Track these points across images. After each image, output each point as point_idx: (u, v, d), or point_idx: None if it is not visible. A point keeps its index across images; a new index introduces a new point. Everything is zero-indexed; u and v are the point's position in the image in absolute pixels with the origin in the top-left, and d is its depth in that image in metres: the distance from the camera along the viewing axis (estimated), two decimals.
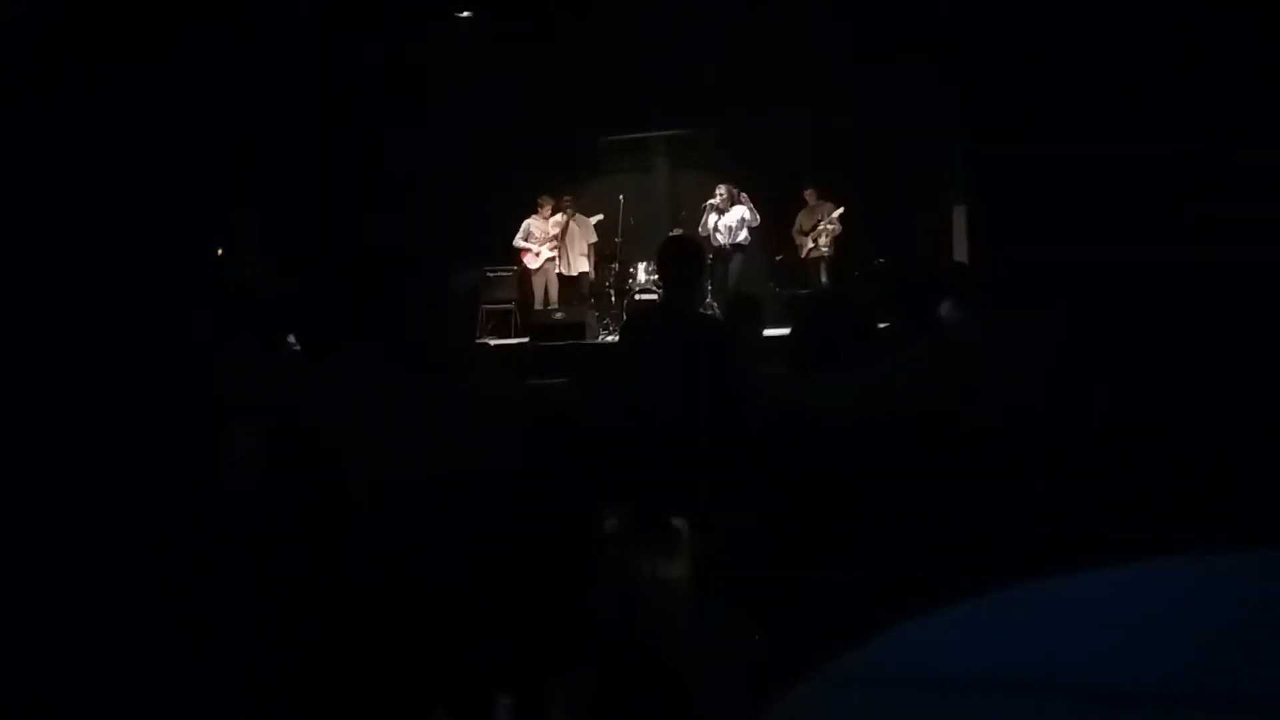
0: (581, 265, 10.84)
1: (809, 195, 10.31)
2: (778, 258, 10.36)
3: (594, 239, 10.86)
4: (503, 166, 11.11)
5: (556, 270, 10.74)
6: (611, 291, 10.70)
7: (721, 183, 10.28)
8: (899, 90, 9.51)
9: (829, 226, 10.09)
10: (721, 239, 10.05)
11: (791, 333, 2.65)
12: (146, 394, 2.09)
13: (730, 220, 10.08)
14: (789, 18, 9.64)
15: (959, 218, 9.41)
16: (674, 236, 7.50)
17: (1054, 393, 2.08)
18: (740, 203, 10.08)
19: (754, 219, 10.06)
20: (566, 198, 10.82)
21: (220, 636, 2.05)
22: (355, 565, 2.17)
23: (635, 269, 10.37)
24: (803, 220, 10.34)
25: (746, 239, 10.11)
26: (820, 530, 2.09)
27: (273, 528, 2.23)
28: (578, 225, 10.76)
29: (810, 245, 10.22)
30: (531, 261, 10.72)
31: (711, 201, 10.14)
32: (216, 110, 8.35)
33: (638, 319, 5.17)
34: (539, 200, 10.76)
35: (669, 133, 11.56)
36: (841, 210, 10.05)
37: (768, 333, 5.49)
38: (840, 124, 10.15)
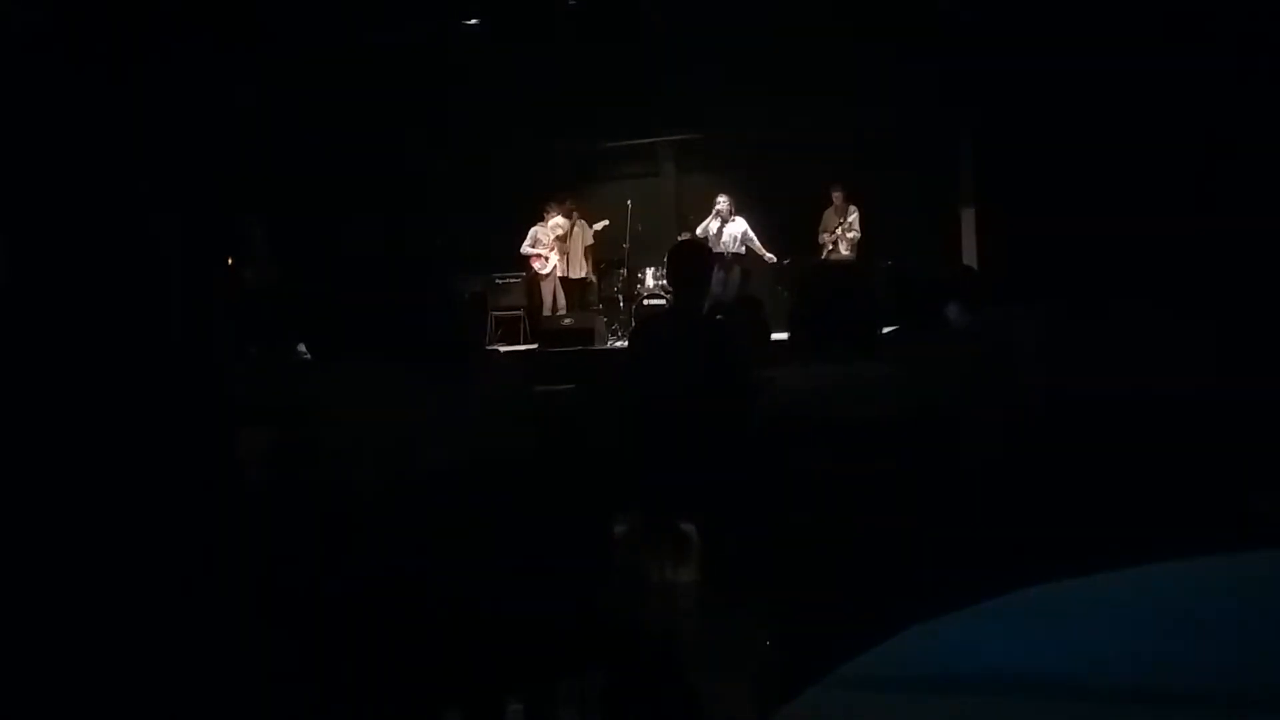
0: (582, 269, 10.82)
1: (836, 196, 10.14)
2: (785, 261, 10.31)
3: (590, 242, 10.81)
4: (510, 173, 11.13)
5: (561, 274, 10.73)
6: (620, 297, 10.69)
7: (722, 193, 10.30)
8: (909, 90, 9.48)
9: (849, 234, 9.99)
10: (727, 246, 10.03)
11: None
12: (156, 400, 2.10)
13: (735, 230, 10.09)
14: (796, 19, 9.64)
15: (967, 219, 9.40)
16: (683, 241, 7.49)
17: (1058, 389, 2.08)
18: (739, 215, 10.15)
19: (751, 236, 10.10)
20: (568, 201, 10.76)
21: (230, 639, 2.06)
22: (365, 567, 2.18)
23: (643, 274, 10.36)
24: (826, 220, 10.20)
25: (744, 250, 10.14)
26: (830, 532, 2.09)
27: (282, 531, 2.24)
28: (580, 229, 10.75)
29: (830, 247, 10.12)
30: (542, 267, 10.72)
31: (718, 208, 10.14)
32: (226, 115, 8.39)
33: (647, 323, 5.17)
34: (545, 208, 10.76)
35: (676, 137, 11.54)
36: (857, 214, 9.97)
37: (776, 336, 5.47)
38: (851, 125, 10.11)
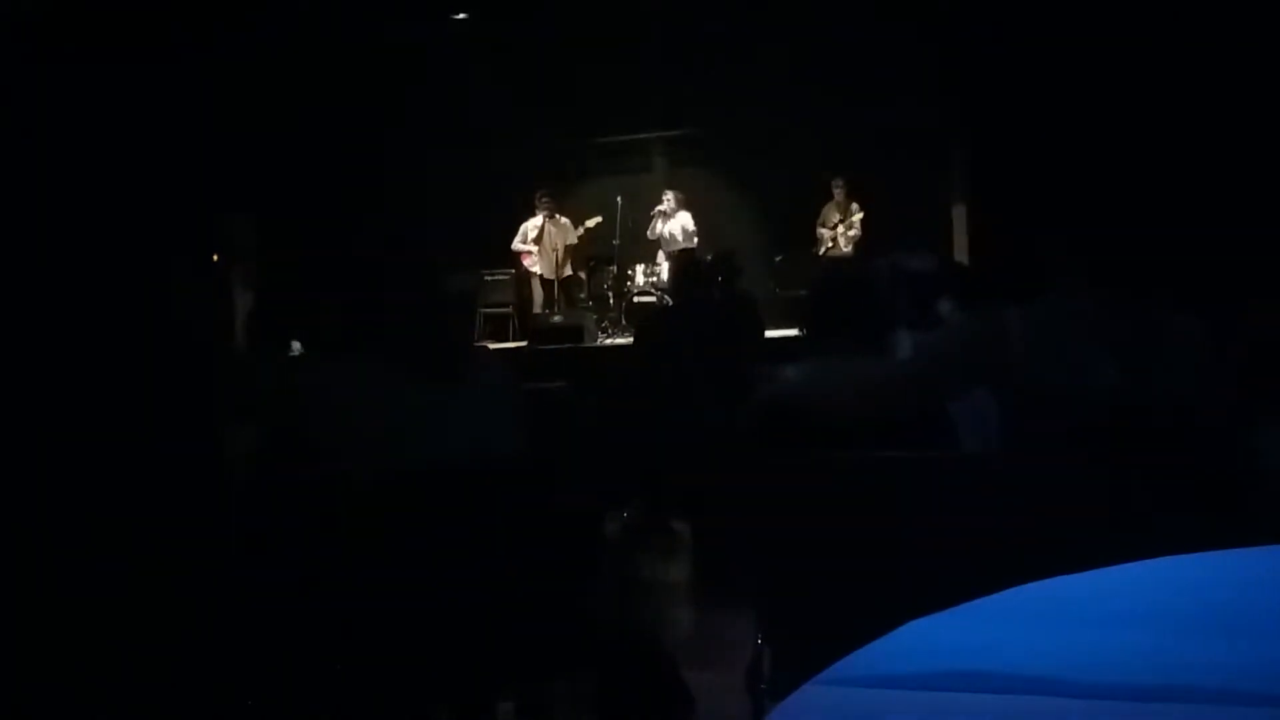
0: (564, 270, 10.54)
1: (837, 190, 9.97)
2: (777, 258, 10.29)
3: (573, 241, 10.49)
4: (499, 169, 11.09)
5: (539, 272, 10.51)
6: (610, 294, 10.64)
7: (668, 189, 10.32)
8: (900, 87, 9.49)
9: (851, 233, 9.92)
10: (670, 243, 10.09)
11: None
12: (147, 399, 2.09)
13: (675, 227, 10.14)
14: (787, 15, 9.64)
15: (959, 217, 9.40)
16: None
17: (1053, 386, 2.08)
18: (686, 210, 10.17)
19: (694, 230, 10.13)
20: (544, 196, 10.39)
21: (224, 638, 2.05)
22: (356, 565, 2.17)
23: (633, 271, 10.30)
24: (827, 214, 10.03)
25: (693, 246, 10.10)
26: (823, 530, 2.09)
27: (274, 530, 2.23)
28: (555, 227, 10.39)
29: (830, 244, 10.00)
30: (532, 264, 10.64)
31: (660, 208, 10.20)
32: (214, 111, 8.36)
33: (658, 312, 5.14)
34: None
35: (667, 133, 11.52)
36: (863, 215, 9.88)
37: (771, 334, 5.48)
38: (841, 122, 10.09)
